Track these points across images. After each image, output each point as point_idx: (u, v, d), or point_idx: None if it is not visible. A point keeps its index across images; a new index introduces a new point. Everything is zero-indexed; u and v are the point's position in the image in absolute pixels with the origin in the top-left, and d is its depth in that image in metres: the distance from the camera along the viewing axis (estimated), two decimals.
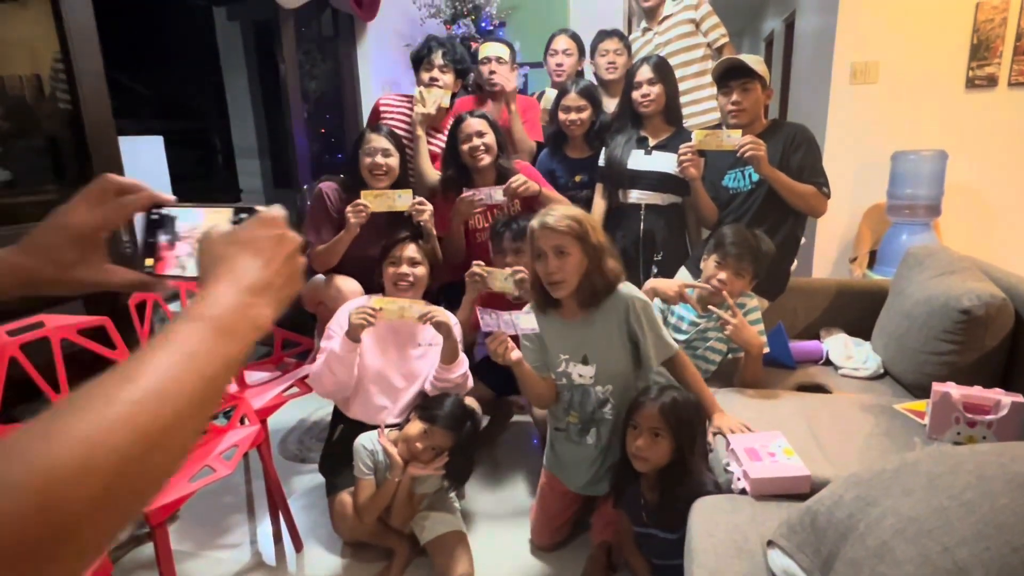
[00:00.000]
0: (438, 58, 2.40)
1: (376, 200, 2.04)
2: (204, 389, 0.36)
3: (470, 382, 1.94)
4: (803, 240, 3.00)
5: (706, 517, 1.28)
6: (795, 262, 2.93)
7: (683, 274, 2.06)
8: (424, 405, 1.76)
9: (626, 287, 1.62)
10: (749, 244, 1.83)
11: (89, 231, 0.56)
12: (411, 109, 2.44)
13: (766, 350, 1.86)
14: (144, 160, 5.07)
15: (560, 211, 1.55)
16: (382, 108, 2.53)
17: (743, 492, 1.36)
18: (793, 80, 4.89)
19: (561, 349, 1.64)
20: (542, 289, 1.60)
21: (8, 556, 0.26)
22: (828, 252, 3.75)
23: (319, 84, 3.71)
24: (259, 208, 0.54)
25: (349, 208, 2.04)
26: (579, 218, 1.54)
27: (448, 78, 2.43)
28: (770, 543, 1.12)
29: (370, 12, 3.21)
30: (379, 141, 2.13)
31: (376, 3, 3.24)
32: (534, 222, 1.56)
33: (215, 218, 0.59)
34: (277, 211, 0.53)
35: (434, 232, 2.16)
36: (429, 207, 2.10)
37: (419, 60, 2.45)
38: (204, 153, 6.33)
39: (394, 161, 2.16)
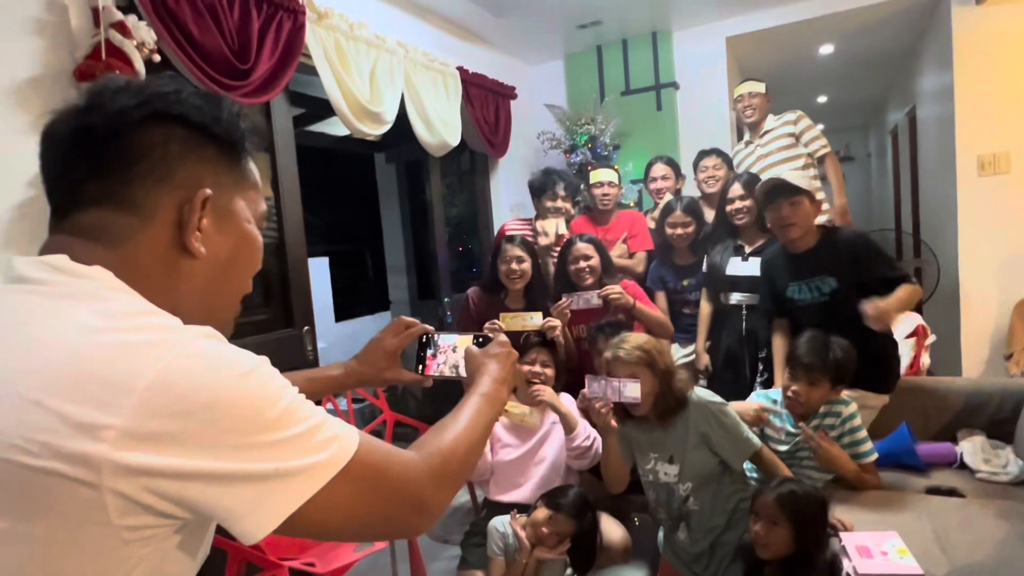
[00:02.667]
0: (561, 190, 2.82)
1: (511, 321, 2.34)
2: (484, 430, 0.74)
3: (598, 445, 2.09)
4: (933, 337, 2.91)
5: None
6: (927, 361, 2.83)
7: (754, 399, 2.04)
8: (549, 494, 1.95)
9: (696, 394, 1.73)
10: (820, 352, 1.82)
11: (393, 349, 0.97)
12: (531, 230, 2.82)
13: (873, 458, 1.82)
14: (314, 277, 5.98)
15: (631, 342, 1.73)
16: (508, 231, 2.95)
17: None
18: (921, 171, 4.79)
19: (650, 448, 1.78)
20: (623, 408, 1.76)
21: (442, 477, 0.63)
22: (978, 350, 3.50)
23: (458, 210, 4.30)
24: (490, 335, 0.95)
25: (486, 325, 2.35)
26: (646, 347, 1.71)
27: (568, 204, 2.85)
28: None
29: (501, 150, 3.76)
30: (514, 250, 2.48)
31: (506, 143, 3.79)
32: (608, 353, 1.75)
33: (463, 339, 0.99)
34: (504, 338, 0.94)
35: (563, 342, 2.41)
36: (558, 323, 2.36)
37: (542, 189, 2.85)
38: (361, 270, 7.31)
39: (527, 266, 2.48)
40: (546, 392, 2.09)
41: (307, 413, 0.54)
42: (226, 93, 2.07)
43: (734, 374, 2.48)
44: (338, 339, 5.87)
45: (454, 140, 3.16)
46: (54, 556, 0.46)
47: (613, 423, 1.79)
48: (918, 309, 3.67)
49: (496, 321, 2.35)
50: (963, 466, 2.03)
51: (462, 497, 3.05)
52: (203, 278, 0.60)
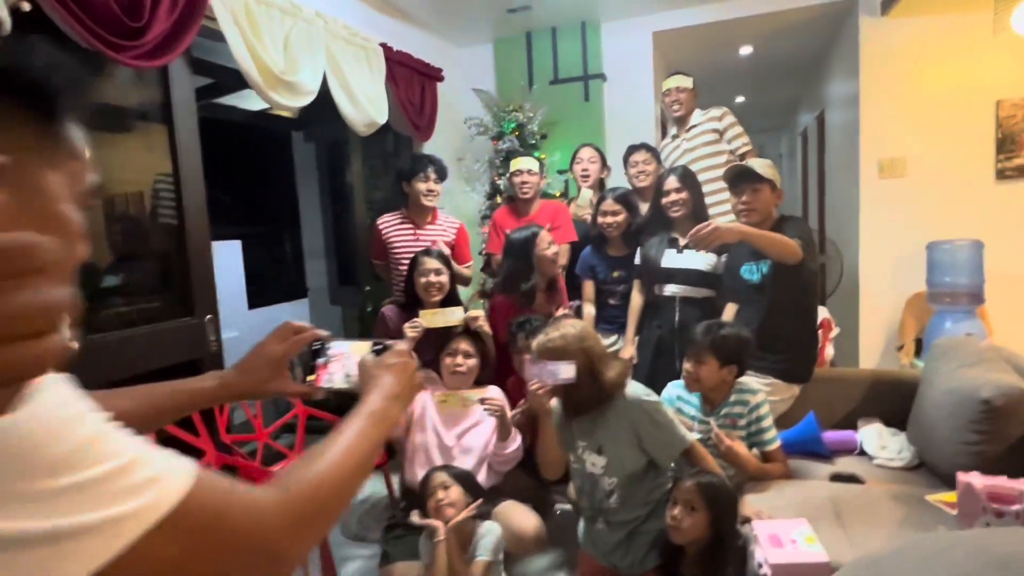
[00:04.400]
0: (431, 173, 2.84)
1: (432, 318, 2.32)
2: (367, 456, 0.64)
3: (519, 456, 2.13)
4: (837, 330, 3.07)
5: None
6: (831, 352, 2.99)
7: (669, 389, 2.11)
8: (423, 482, 1.91)
9: (633, 389, 1.73)
10: (705, 332, 1.92)
11: (278, 357, 0.85)
12: (405, 223, 2.88)
13: (775, 445, 1.91)
14: (224, 261, 5.63)
15: (560, 330, 1.72)
16: (382, 226, 2.92)
17: None
18: (828, 172, 5.07)
19: (580, 435, 1.78)
20: (556, 393, 1.76)
21: (304, 519, 0.52)
22: (874, 341, 3.75)
23: (382, 194, 4.14)
24: (388, 343, 0.84)
25: (407, 325, 2.30)
26: (575, 336, 1.70)
27: (439, 187, 2.89)
28: None
29: (427, 134, 3.64)
30: (431, 263, 2.45)
31: (432, 126, 3.67)
32: (538, 339, 1.74)
33: (358, 347, 0.89)
34: (403, 346, 0.83)
35: (490, 332, 2.42)
36: (480, 313, 2.39)
37: (413, 173, 2.86)
38: (277, 254, 6.95)
39: (444, 279, 2.45)
40: (498, 408, 2.05)
41: (114, 448, 0.42)
42: (115, 55, 1.85)
43: (665, 364, 2.51)
44: (251, 328, 5.52)
45: (381, 118, 3.02)
46: None
47: (550, 405, 1.81)
48: (823, 302, 3.88)
49: (417, 320, 2.31)
50: (863, 452, 2.14)
51: (381, 491, 2.95)
52: None
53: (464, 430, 2.17)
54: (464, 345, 2.24)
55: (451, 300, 2.48)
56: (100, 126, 2.30)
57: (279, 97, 2.38)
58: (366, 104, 2.91)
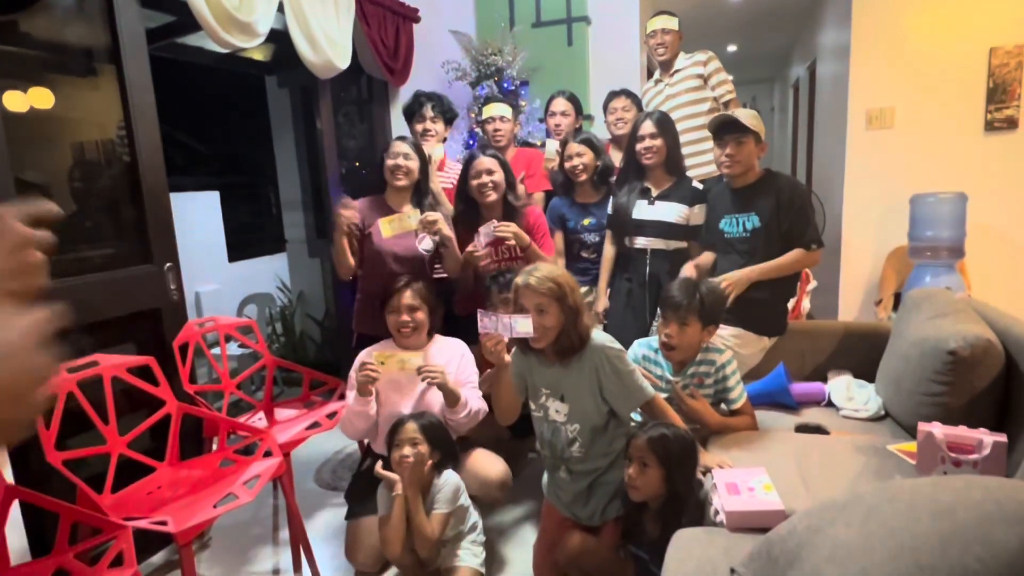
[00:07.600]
0: (428, 111, 2.65)
1: (389, 226, 2.20)
2: None
3: (482, 414, 2.06)
4: (814, 283, 3.04)
5: (682, 547, 1.34)
6: (807, 306, 2.97)
7: (635, 348, 2.04)
8: (392, 431, 1.86)
9: (598, 337, 1.68)
10: (689, 293, 1.85)
11: None
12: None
13: (741, 403, 1.89)
14: (201, 213, 5.49)
15: (542, 272, 1.64)
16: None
17: (722, 524, 1.41)
18: (817, 124, 4.96)
19: (543, 383, 1.74)
20: (523, 339, 1.68)
21: None
22: (854, 295, 3.73)
23: (357, 143, 4.01)
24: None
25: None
26: (558, 280, 1.63)
27: (439, 127, 2.69)
28: (732, 571, 1.18)
29: (401, 78, 3.50)
30: (401, 147, 2.32)
31: (407, 70, 3.52)
32: (519, 279, 1.66)
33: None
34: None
35: (451, 236, 2.28)
36: (438, 215, 2.25)
37: (411, 113, 2.70)
38: (256, 206, 6.81)
39: (414, 164, 2.32)
40: (437, 376, 1.93)
41: None
42: None
43: (634, 317, 2.47)
44: (231, 281, 5.45)
45: (342, 62, 2.88)
46: None
47: (507, 359, 1.75)
48: None
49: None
50: (831, 404, 2.14)
51: (352, 445, 2.95)
52: None
53: (422, 392, 2.06)
54: (406, 299, 2.07)
55: (420, 192, 2.39)
56: (63, 69, 2.18)
57: (231, 38, 2.24)
58: (326, 47, 2.76)
